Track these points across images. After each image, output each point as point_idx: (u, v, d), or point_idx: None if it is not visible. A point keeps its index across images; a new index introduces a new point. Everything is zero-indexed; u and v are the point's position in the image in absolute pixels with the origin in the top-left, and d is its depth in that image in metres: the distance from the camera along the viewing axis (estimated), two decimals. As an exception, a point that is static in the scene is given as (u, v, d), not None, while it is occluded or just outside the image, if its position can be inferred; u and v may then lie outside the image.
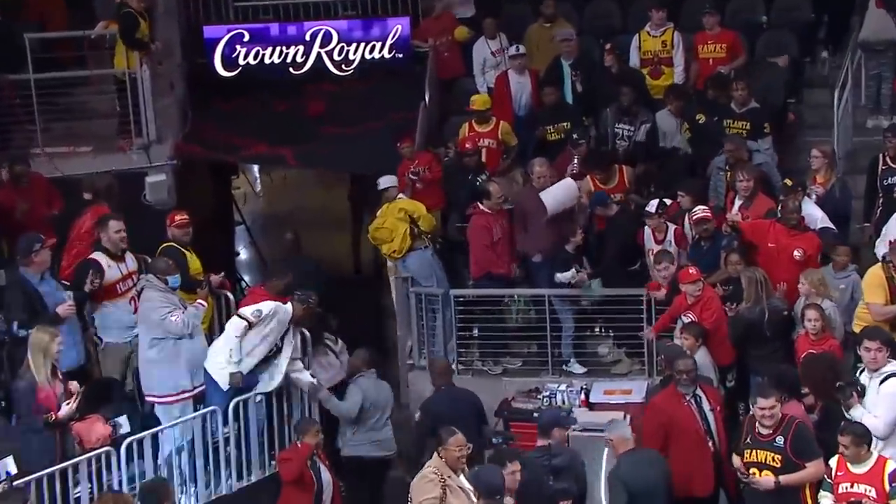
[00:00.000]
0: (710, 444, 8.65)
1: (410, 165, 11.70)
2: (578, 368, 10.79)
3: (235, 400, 9.48)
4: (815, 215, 10.22)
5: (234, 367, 9.37)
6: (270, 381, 9.61)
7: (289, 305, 9.58)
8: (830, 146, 10.88)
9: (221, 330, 9.78)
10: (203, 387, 9.50)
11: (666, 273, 10.24)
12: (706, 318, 9.73)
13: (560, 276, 10.50)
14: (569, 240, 10.69)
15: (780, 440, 8.09)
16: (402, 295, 11.21)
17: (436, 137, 12.36)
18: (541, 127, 11.88)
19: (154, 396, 9.56)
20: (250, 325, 9.37)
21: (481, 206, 10.81)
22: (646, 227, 10.61)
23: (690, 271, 9.86)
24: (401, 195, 11.30)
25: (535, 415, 9.79)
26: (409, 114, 12.33)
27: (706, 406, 8.75)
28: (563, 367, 10.77)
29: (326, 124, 12.55)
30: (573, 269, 10.45)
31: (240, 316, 9.45)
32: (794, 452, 8.08)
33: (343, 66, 12.71)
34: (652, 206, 10.62)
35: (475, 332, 10.98)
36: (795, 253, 9.93)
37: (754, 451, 8.17)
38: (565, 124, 11.82)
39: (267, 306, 9.46)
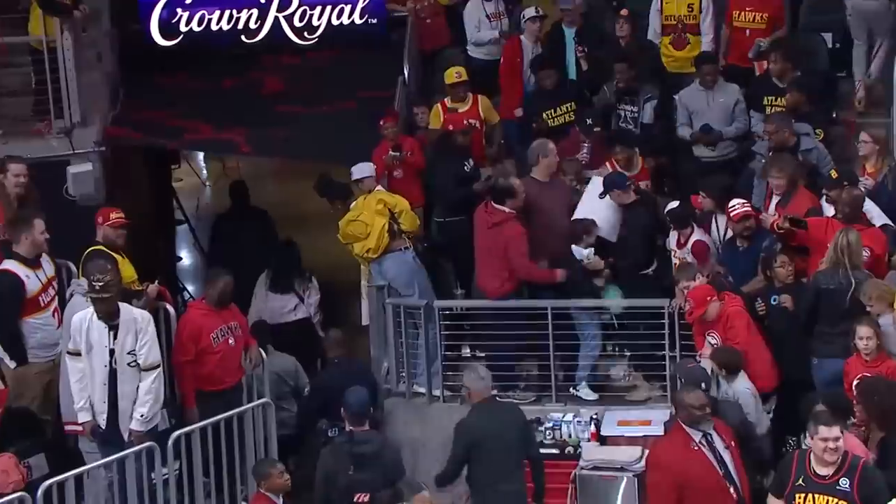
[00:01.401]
0: (732, 490, 8.26)
1: (390, 148, 11.40)
2: (589, 394, 10.41)
3: (177, 433, 9.24)
4: (869, 211, 9.96)
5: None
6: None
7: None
8: (884, 130, 10.70)
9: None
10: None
11: (688, 290, 9.81)
12: (731, 339, 9.44)
13: (577, 249, 10.18)
14: (582, 238, 10.34)
15: (844, 483, 7.67)
16: (376, 307, 10.81)
17: (413, 121, 12.07)
18: (538, 115, 11.51)
19: (78, 427, 9.23)
20: None
21: (502, 208, 10.31)
22: (671, 232, 10.36)
23: (688, 304, 9.55)
24: (379, 186, 10.93)
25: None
26: (384, 92, 12.08)
27: (719, 444, 8.32)
28: (572, 390, 10.40)
29: (286, 104, 12.33)
30: (591, 249, 10.15)
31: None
32: (863, 499, 7.66)
33: (305, 34, 12.51)
34: (668, 209, 10.32)
35: (466, 351, 10.72)
36: (863, 253, 9.57)
37: (810, 496, 7.73)
38: (568, 105, 11.55)
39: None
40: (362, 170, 10.92)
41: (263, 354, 10.21)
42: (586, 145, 11.01)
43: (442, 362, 10.59)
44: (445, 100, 11.59)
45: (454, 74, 11.57)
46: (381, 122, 11.43)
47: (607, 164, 10.92)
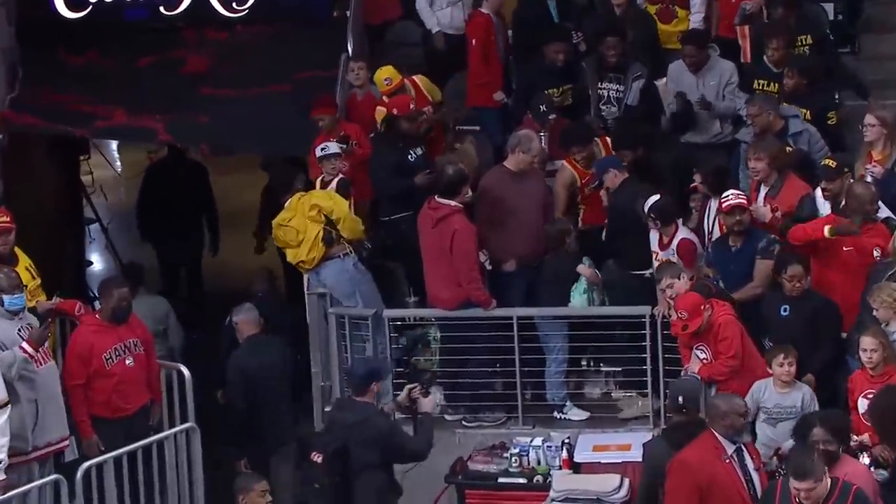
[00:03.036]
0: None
1: (331, 139, 11.22)
2: (578, 414, 10.40)
3: (87, 464, 9.25)
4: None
5: None
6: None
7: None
8: (893, 111, 10.55)
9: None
10: (65, 443, 9.36)
11: (671, 292, 9.84)
12: (724, 352, 9.47)
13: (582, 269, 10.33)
14: (564, 240, 10.35)
15: None
16: (317, 317, 10.75)
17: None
18: (544, 92, 11.42)
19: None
20: None
21: (447, 202, 10.25)
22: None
23: (680, 315, 9.50)
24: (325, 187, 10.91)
25: (500, 480, 9.83)
26: (325, 72, 12.00)
27: (750, 464, 8.48)
28: (557, 414, 10.40)
29: (211, 86, 12.33)
30: (588, 260, 10.27)
31: None
32: (856, 529, 7.77)
33: (234, 6, 12.46)
34: (647, 203, 10.21)
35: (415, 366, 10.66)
36: (875, 252, 9.65)
37: None
38: (567, 87, 11.61)
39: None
40: (329, 146, 10.85)
41: (184, 371, 10.14)
42: (543, 135, 10.95)
43: (393, 380, 10.38)
44: (384, 97, 11.42)
45: (383, 82, 11.39)
46: (312, 113, 11.35)
47: (565, 163, 10.92)
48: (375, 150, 11.13)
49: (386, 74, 11.46)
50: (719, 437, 8.39)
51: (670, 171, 10.93)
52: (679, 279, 9.75)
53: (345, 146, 11.09)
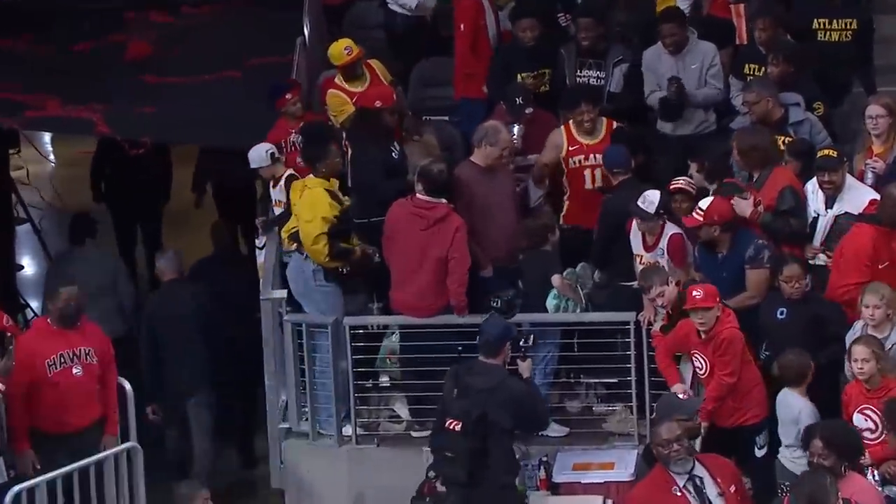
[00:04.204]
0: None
1: (292, 131, 11.28)
2: (557, 430, 10.38)
3: (17, 489, 9.22)
4: (864, 198, 10.01)
5: None
6: None
7: None
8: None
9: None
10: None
11: (662, 300, 9.88)
12: (721, 369, 9.54)
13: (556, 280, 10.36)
14: (546, 237, 10.32)
15: None
16: (272, 324, 10.80)
17: (314, 96, 12.00)
18: (519, 76, 11.41)
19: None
20: None
21: (439, 201, 10.31)
22: (633, 224, 10.30)
23: (695, 294, 9.54)
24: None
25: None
26: (279, 57, 11.99)
27: (711, 491, 8.43)
28: None
29: (154, 73, 12.30)
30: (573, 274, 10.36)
31: None
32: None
33: None
34: (651, 200, 10.12)
35: (384, 379, 10.78)
36: None
37: None
38: (547, 71, 11.53)
39: None
40: (256, 157, 10.94)
41: (125, 385, 10.15)
42: (516, 127, 10.94)
43: (354, 394, 10.53)
44: (336, 79, 11.42)
45: (343, 52, 11.34)
46: (286, 97, 11.32)
47: (562, 128, 10.88)
48: (360, 147, 10.98)
49: (345, 44, 11.37)
50: (668, 465, 8.41)
51: (673, 173, 10.86)
52: (668, 285, 9.78)
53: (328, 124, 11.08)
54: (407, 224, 10.33)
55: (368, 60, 11.53)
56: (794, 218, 10.05)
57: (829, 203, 10.02)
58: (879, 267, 9.72)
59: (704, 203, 9.97)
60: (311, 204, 10.45)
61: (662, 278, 9.82)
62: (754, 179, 10.32)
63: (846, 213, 10.01)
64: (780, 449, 9.35)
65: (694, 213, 9.97)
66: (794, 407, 9.27)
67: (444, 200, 10.27)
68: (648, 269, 10.01)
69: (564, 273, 10.34)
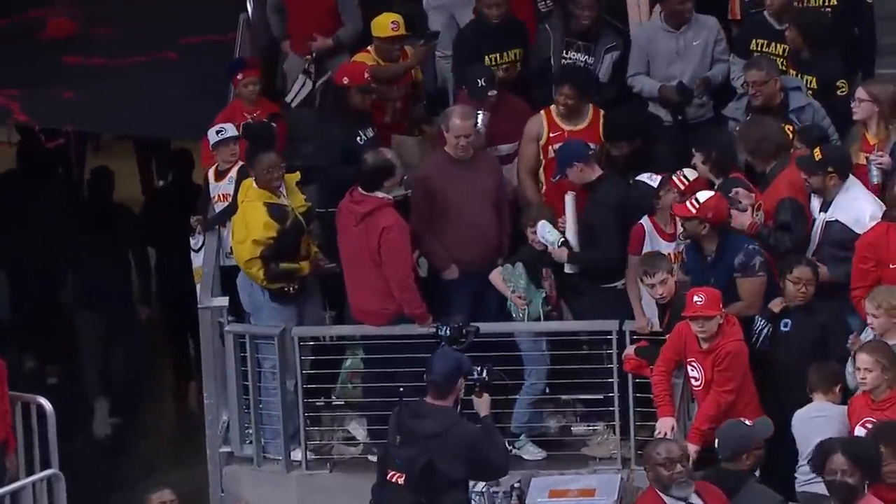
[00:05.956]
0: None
1: (247, 115, 11.33)
2: (534, 452, 10.46)
3: None
4: (862, 210, 10.15)
5: None
6: None
7: None
8: (889, 86, 10.68)
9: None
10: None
11: (663, 290, 9.96)
12: (720, 385, 9.69)
13: (543, 227, 10.39)
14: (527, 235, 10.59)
15: None
16: (210, 336, 10.86)
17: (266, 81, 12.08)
18: (487, 58, 11.43)
19: None
20: None
21: (374, 194, 10.42)
22: (643, 220, 10.47)
23: (696, 299, 9.66)
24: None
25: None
26: (219, 35, 12.17)
27: None
28: (510, 448, 10.28)
29: (78, 54, 12.43)
30: (560, 236, 10.38)
31: None
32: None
33: None
34: (651, 177, 10.42)
35: (335, 398, 10.89)
36: None
37: None
38: (516, 52, 11.51)
39: None
40: (210, 134, 10.93)
41: (45, 405, 10.31)
42: (481, 114, 11.00)
43: (304, 413, 10.50)
44: (363, 59, 11.33)
45: (390, 26, 11.37)
46: (238, 77, 11.36)
47: (542, 113, 10.96)
48: (319, 126, 11.08)
49: (393, 18, 11.33)
50: (658, 492, 8.46)
51: (675, 161, 10.94)
52: (672, 275, 9.95)
53: (273, 126, 11.07)
54: (344, 219, 10.46)
55: (406, 47, 11.46)
56: (790, 234, 10.11)
57: (824, 206, 10.09)
58: (891, 266, 9.86)
59: (703, 196, 10.01)
60: (244, 222, 10.54)
61: (668, 266, 9.91)
62: (767, 171, 10.37)
63: (837, 220, 10.11)
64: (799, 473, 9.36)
65: (688, 203, 9.99)
66: (835, 418, 9.30)
67: (380, 194, 10.30)
68: (652, 255, 10.10)
69: (502, 267, 10.41)
